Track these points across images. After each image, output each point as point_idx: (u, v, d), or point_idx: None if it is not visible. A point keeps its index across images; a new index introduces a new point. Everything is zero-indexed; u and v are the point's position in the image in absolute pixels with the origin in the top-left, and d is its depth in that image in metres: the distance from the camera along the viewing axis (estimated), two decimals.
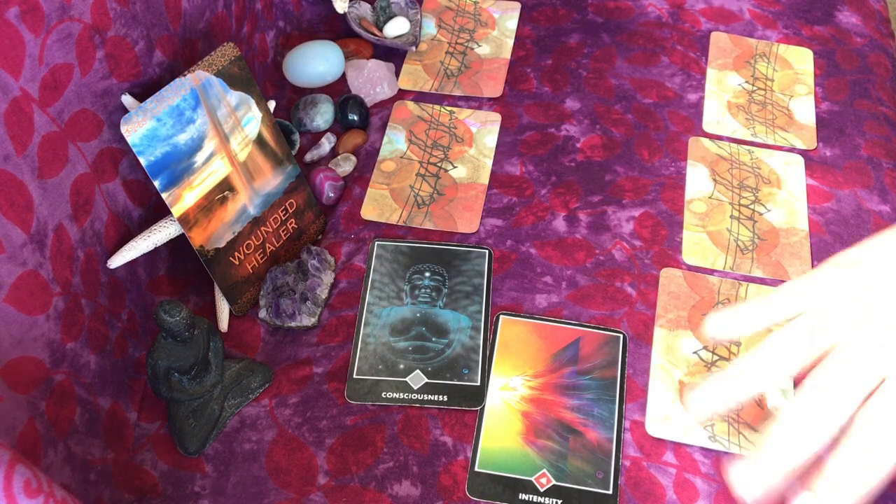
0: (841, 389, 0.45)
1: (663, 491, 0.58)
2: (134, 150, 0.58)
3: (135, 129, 0.58)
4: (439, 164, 0.77)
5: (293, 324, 0.66)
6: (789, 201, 0.73)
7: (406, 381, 0.63)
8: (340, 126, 0.80)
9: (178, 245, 0.66)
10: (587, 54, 0.85)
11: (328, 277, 0.69)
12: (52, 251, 0.55)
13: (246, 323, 0.68)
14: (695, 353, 0.64)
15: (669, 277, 0.68)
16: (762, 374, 0.48)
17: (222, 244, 0.65)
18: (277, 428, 0.62)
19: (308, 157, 0.78)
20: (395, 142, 0.78)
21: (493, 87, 0.83)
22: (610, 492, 0.58)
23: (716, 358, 0.63)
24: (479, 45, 0.86)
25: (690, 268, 0.69)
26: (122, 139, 0.61)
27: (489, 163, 0.77)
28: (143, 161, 0.59)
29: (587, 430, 0.61)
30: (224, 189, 0.65)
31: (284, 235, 0.70)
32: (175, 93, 0.60)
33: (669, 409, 0.61)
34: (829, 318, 0.47)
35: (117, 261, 0.61)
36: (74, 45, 0.56)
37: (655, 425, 0.61)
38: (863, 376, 0.45)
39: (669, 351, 0.64)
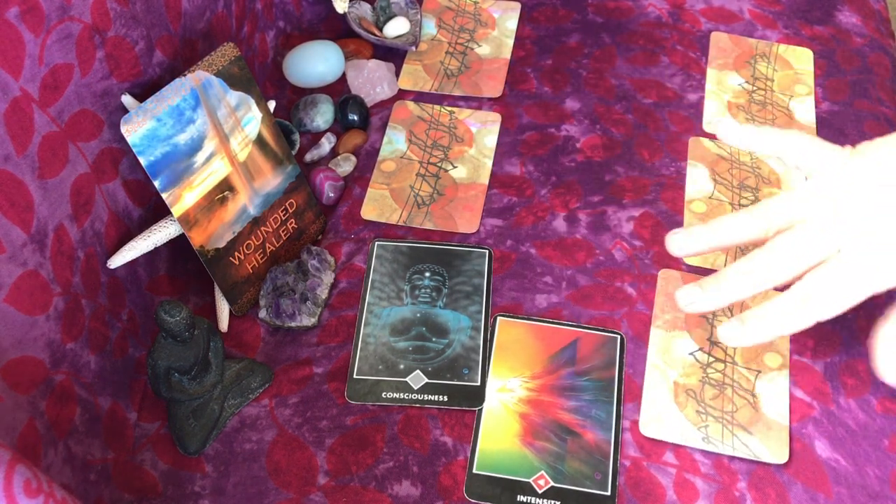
0: (794, 251, 0.51)
1: (663, 491, 0.58)
2: (134, 150, 0.58)
3: (135, 129, 0.58)
4: (439, 165, 0.77)
5: (293, 324, 0.66)
6: None
7: (406, 382, 0.63)
8: (340, 126, 0.80)
9: (178, 245, 0.66)
10: (587, 54, 0.85)
11: (328, 277, 0.69)
12: (52, 251, 0.55)
13: (246, 323, 0.68)
14: (691, 354, 0.64)
15: (667, 278, 0.68)
16: (754, 275, 0.52)
17: (222, 244, 0.66)
18: (277, 428, 0.62)
19: (308, 157, 0.78)
20: (395, 142, 0.78)
21: (493, 87, 0.83)
22: (608, 493, 0.58)
23: (712, 359, 0.63)
24: (479, 45, 0.86)
25: (690, 269, 0.69)
26: (122, 139, 0.61)
27: (489, 163, 0.77)
28: (143, 161, 0.59)
29: (585, 432, 0.61)
30: (224, 189, 0.65)
31: (284, 235, 0.70)
32: (175, 93, 0.60)
33: (664, 409, 0.61)
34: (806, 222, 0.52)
35: (117, 261, 0.61)
36: (74, 45, 0.56)
37: (649, 426, 0.61)
38: (817, 244, 0.51)
39: (665, 352, 0.64)
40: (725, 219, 0.54)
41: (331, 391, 0.63)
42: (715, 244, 0.54)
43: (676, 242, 0.55)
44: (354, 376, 0.64)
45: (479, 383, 0.63)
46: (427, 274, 0.69)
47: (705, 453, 0.60)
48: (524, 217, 0.73)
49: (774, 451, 0.59)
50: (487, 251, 0.70)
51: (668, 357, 0.64)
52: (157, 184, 0.60)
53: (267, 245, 0.69)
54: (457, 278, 0.69)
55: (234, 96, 0.64)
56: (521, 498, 0.58)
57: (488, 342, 0.65)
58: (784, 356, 0.63)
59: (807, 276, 0.51)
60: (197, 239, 0.64)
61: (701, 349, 0.64)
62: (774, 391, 0.62)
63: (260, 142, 0.67)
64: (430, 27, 0.88)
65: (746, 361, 0.63)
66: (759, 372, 0.62)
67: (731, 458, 0.59)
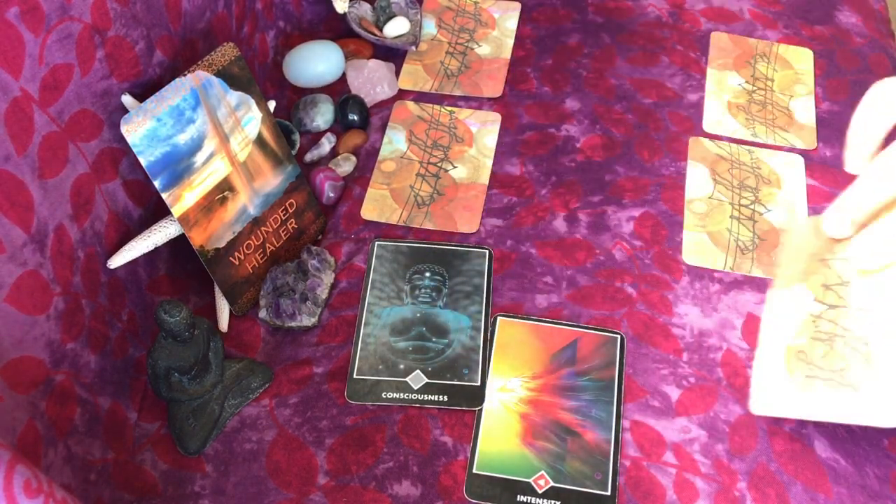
0: None
1: (663, 491, 0.58)
2: (134, 150, 0.58)
3: (135, 129, 0.58)
4: (439, 164, 0.77)
5: (293, 324, 0.66)
6: (788, 201, 0.73)
7: (406, 382, 0.63)
8: (340, 126, 0.80)
9: (178, 245, 0.66)
10: (587, 54, 0.85)
11: (328, 277, 0.69)
12: (52, 251, 0.55)
13: (246, 323, 0.68)
14: (804, 309, 0.59)
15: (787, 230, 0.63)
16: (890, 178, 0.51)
17: (222, 244, 0.66)
18: (277, 428, 0.62)
19: (308, 157, 0.78)
20: (395, 142, 0.78)
21: (493, 87, 0.83)
22: (608, 493, 0.58)
23: (824, 307, 0.58)
24: (479, 45, 0.86)
25: (690, 269, 0.69)
26: (122, 139, 0.61)
27: (489, 163, 0.77)
28: (143, 161, 0.59)
29: (585, 432, 0.61)
30: (224, 189, 0.65)
31: (284, 235, 0.70)
32: (175, 93, 0.60)
33: (776, 383, 0.57)
34: None
35: (117, 261, 0.61)
36: (74, 45, 0.56)
37: (759, 403, 0.58)
38: None
39: (779, 315, 0.60)
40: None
41: (331, 391, 0.63)
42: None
43: (831, 224, 0.56)
44: (354, 376, 0.64)
45: (478, 383, 0.63)
46: (427, 274, 0.69)
47: (705, 453, 0.60)
48: (524, 217, 0.73)
49: (884, 412, 0.53)
50: (487, 251, 0.70)
51: (781, 320, 0.59)
52: (157, 184, 0.60)
53: (267, 245, 0.69)
54: (457, 278, 0.69)
55: (234, 96, 0.64)
56: (521, 498, 0.58)
57: (488, 342, 0.65)
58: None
59: None
60: (197, 239, 0.64)
61: (815, 299, 0.59)
62: (890, 340, 0.55)
63: (260, 142, 0.67)
64: (430, 27, 0.88)
65: (860, 268, 0.57)
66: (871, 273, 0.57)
67: (732, 456, 0.59)
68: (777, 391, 0.57)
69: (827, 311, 0.58)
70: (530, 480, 0.59)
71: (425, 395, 0.63)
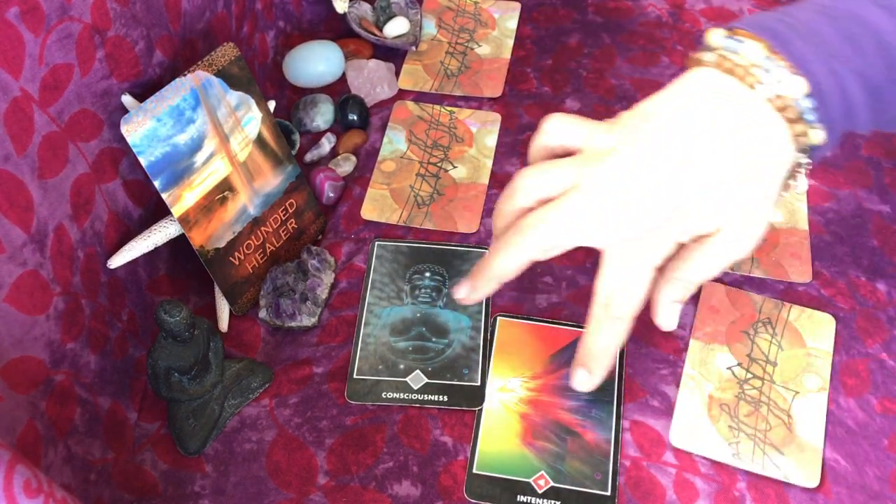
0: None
1: (663, 491, 0.58)
2: (134, 150, 0.58)
3: (135, 129, 0.58)
4: (439, 164, 0.77)
5: (293, 324, 0.66)
6: (789, 201, 0.73)
7: (406, 382, 0.63)
8: (340, 126, 0.80)
9: (178, 245, 0.66)
10: (587, 54, 0.85)
11: (328, 277, 0.69)
12: (52, 251, 0.55)
13: (246, 323, 0.68)
14: (728, 368, 0.63)
15: (711, 291, 0.67)
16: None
17: (222, 244, 0.66)
18: (277, 428, 0.62)
19: (308, 157, 0.78)
20: (395, 142, 0.78)
21: (493, 87, 0.83)
22: (608, 493, 0.58)
23: (749, 375, 0.63)
24: (479, 45, 0.86)
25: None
26: (122, 139, 0.61)
27: (489, 163, 0.77)
28: (143, 161, 0.59)
29: (585, 432, 0.61)
30: (224, 189, 0.65)
31: (284, 235, 0.70)
32: (175, 93, 0.60)
33: (696, 421, 0.61)
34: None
35: (117, 261, 0.61)
36: (74, 45, 0.56)
37: (680, 437, 0.60)
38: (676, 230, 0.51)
39: (702, 364, 0.63)
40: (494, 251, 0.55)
41: (331, 391, 0.63)
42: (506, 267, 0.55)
43: (462, 294, 0.58)
44: (354, 376, 0.64)
45: (478, 383, 0.63)
46: (427, 274, 0.69)
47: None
48: None
49: (806, 473, 0.58)
50: (487, 251, 0.70)
51: (704, 369, 0.63)
52: (157, 184, 0.60)
53: (267, 245, 0.69)
54: (457, 278, 0.69)
55: (234, 96, 0.64)
56: (521, 498, 0.58)
57: (488, 342, 0.65)
58: (824, 379, 0.62)
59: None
60: (197, 239, 0.64)
61: (740, 364, 0.63)
62: (811, 414, 0.61)
63: (260, 142, 0.67)
64: (430, 27, 0.88)
65: (785, 381, 0.62)
66: (797, 393, 0.62)
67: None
68: (699, 432, 0.60)
69: (752, 380, 0.62)
70: (530, 480, 0.59)
71: (425, 395, 0.63)
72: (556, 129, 0.56)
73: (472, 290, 0.58)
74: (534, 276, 0.69)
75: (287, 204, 0.70)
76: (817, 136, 0.50)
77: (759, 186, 0.50)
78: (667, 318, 0.55)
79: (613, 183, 0.51)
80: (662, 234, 0.51)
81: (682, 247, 0.52)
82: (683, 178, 0.50)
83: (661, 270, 0.53)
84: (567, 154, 0.56)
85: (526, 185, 0.54)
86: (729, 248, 0.51)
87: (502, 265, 0.55)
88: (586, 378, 0.54)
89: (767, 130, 0.50)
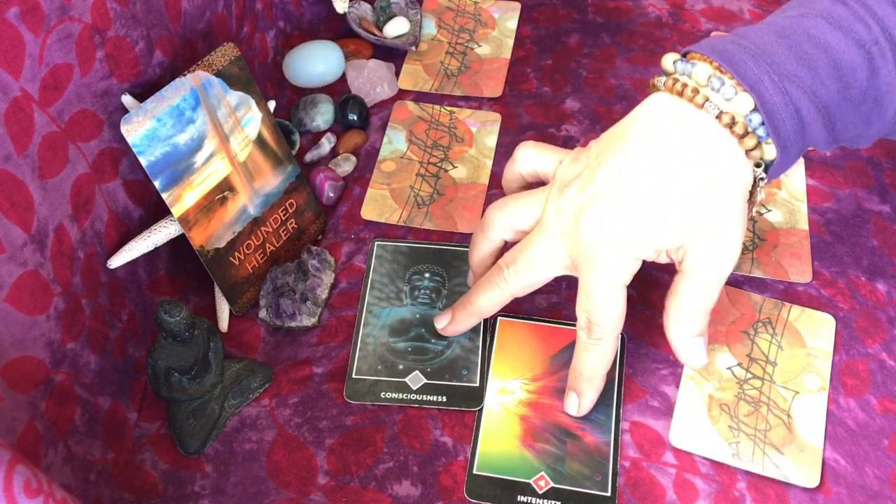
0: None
1: (663, 491, 0.58)
2: (134, 150, 0.58)
3: (135, 129, 0.58)
4: (439, 165, 0.77)
5: (293, 324, 0.66)
6: (789, 201, 0.73)
7: (405, 382, 0.63)
8: (340, 126, 0.80)
9: (178, 245, 0.66)
10: (587, 54, 0.85)
11: (328, 277, 0.69)
12: (52, 251, 0.55)
13: (246, 323, 0.68)
14: (728, 368, 0.63)
15: None
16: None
17: (222, 244, 0.66)
18: (277, 428, 0.62)
19: (308, 157, 0.78)
20: (395, 142, 0.78)
21: (493, 87, 0.83)
22: (608, 494, 0.58)
23: (749, 376, 0.62)
24: (479, 45, 0.86)
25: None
26: (122, 139, 0.61)
27: (489, 163, 0.77)
28: (143, 161, 0.59)
29: (584, 434, 0.61)
30: (224, 189, 0.65)
31: (284, 235, 0.70)
32: (175, 93, 0.60)
33: (696, 421, 0.60)
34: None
35: (117, 261, 0.61)
36: (74, 45, 0.56)
37: (680, 437, 0.60)
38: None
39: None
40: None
41: (331, 391, 0.63)
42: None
43: (442, 324, 0.65)
44: (353, 376, 0.64)
45: (477, 384, 0.63)
46: (427, 275, 0.69)
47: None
48: None
49: (806, 473, 0.58)
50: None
51: (704, 369, 0.63)
52: (157, 184, 0.60)
53: (267, 245, 0.69)
54: (457, 279, 0.69)
55: (234, 96, 0.64)
56: (521, 498, 0.58)
57: (488, 343, 0.65)
58: (824, 379, 0.62)
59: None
60: (197, 239, 0.64)
61: (739, 364, 0.63)
62: (811, 414, 0.61)
63: (260, 142, 0.67)
64: (430, 27, 0.88)
65: (785, 381, 0.62)
66: (797, 393, 0.61)
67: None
68: (699, 432, 0.60)
69: (752, 380, 0.62)
70: (530, 481, 0.59)
71: (424, 396, 0.63)
72: (526, 157, 0.62)
73: (453, 322, 0.63)
74: None
75: (287, 204, 0.70)
76: (770, 151, 0.52)
77: (720, 199, 0.52)
78: (692, 355, 0.57)
79: (581, 212, 0.54)
80: (630, 252, 0.54)
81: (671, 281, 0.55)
82: (649, 200, 0.53)
83: (664, 311, 0.56)
84: (539, 181, 0.61)
85: (496, 219, 0.60)
86: (705, 266, 0.54)
87: (484, 304, 0.61)
88: (575, 402, 0.60)
89: (718, 146, 0.52)
